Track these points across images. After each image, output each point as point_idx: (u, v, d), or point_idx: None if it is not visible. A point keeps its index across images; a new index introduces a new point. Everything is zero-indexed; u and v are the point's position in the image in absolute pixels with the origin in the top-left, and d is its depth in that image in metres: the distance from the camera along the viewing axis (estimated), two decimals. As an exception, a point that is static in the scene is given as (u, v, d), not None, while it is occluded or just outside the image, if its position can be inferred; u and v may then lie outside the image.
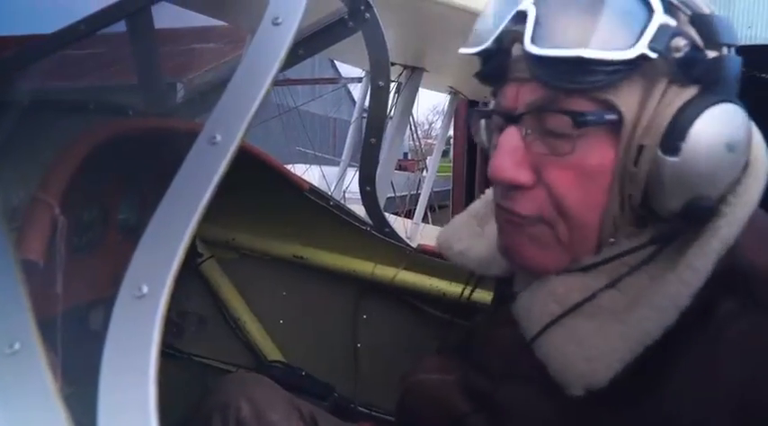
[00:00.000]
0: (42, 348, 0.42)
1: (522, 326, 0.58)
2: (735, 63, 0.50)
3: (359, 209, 1.38)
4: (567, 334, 0.53)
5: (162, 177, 0.49)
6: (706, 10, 0.51)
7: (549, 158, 0.54)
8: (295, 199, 1.31)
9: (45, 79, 1.05)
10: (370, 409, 1.30)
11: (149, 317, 0.41)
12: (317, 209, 1.32)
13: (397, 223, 3.67)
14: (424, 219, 4.53)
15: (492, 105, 0.61)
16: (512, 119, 0.55)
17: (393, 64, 2.90)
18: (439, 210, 7.22)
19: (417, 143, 6.84)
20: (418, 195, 4.58)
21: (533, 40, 0.50)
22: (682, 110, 0.49)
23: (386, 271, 1.33)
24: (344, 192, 3.71)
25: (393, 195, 5.34)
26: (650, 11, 0.48)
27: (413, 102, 3.36)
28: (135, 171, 1.07)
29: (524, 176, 0.54)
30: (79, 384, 0.44)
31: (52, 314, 0.55)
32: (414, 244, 1.36)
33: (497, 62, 0.56)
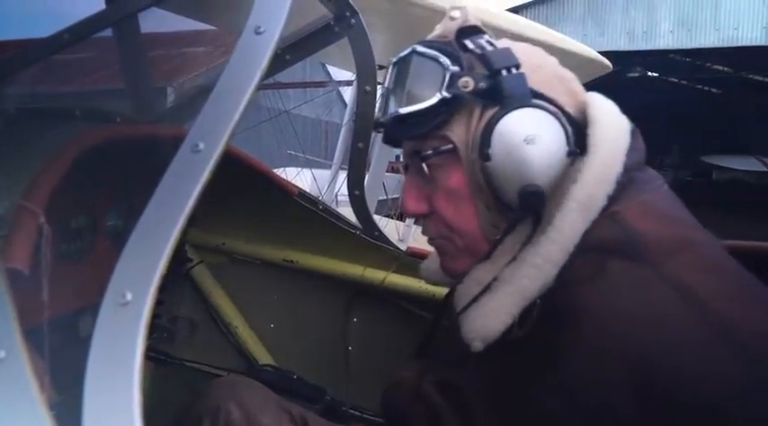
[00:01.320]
0: (28, 356, 0.42)
1: (456, 311, 0.68)
2: (516, 79, 0.64)
3: (351, 212, 1.38)
4: (477, 306, 0.64)
5: (148, 184, 0.49)
6: (488, 48, 0.66)
7: (431, 191, 0.70)
8: (284, 204, 1.32)
9: (30, 86, 1.05)
10: (361, 411, 1.31)
11: (133, 324, 0.41)
12: (307, 214, 1.32)
13: (390, 225, 3.68)
14: (417, 221, 4.54)
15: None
16: (405, 167, 0.74)
17: (383, 67, 2.91)
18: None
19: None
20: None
21: (384, 113, 0.70)
22: (486, 124, 0.64)
23: (375, 274, 1.34)
24: (336, 195, 3.72)
25: (385, 197, 5.35)
26: (442, 68, 0.65)
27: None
28: (123, 178, 1.08)
29: (420, 208, 0.72)
30: (65, 390, 0.44)
31: (40, 321, 0.55)
32: (406, 246, 1.37)
33: (385, 132, 0.73)
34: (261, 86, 0.54)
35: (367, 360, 1.36)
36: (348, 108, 4.20)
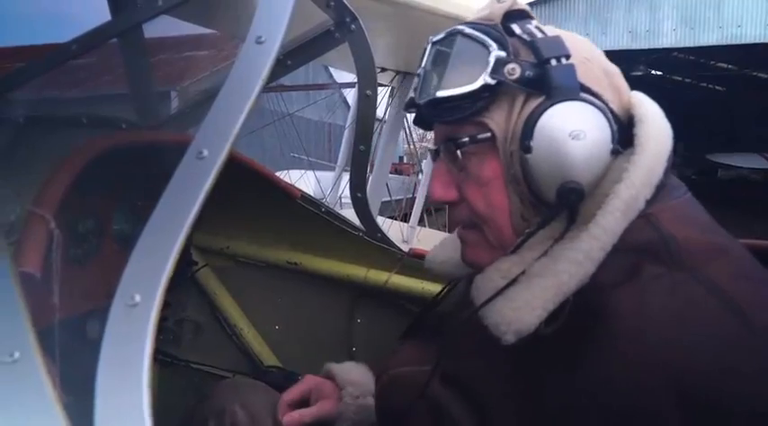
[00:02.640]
0: (41, 357, 0.44)
1: (475, 304, 0.65)
2: (565, 70, 0.61)
3: (354, 214, 1.40)
4: (504, 298, 0.61)
5: (154, 188, 0.51)
6: (538, 35, 0.63)
7: (462, 177, 0.68)
8: (287, 207, 1.33)
9: (37, 93, 1.07)
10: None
11: (142, 325, 0.43)
12: (310, 216, 1.34)
13: (394, 226, 3.69)
14: (421, 222, 4.55)
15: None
16: (435, 153, 0.71)
17: (385, 69, 2.93)
18: (435, 213, 7.24)
19: (412, 146, 6.87)
20: (414, 198, 4.60)
21: (420, 95, 0.66)
22: (530, 115, 0.61)
23: (379, 276, 1.35)
24: (340, 197, 3.73)
25: (389, 199, 5.36)
26: (487, 51, 0.62)
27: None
28: (128, 182, 1.10)
29: (450, 194, 0.69)
30: (76, 391, 0.46)
31: (51, 323, 0.57)
32: (409, 248, 1.38)
33: (416, 113, 0.70)
34: (264, 89, 0.55)
35: (371, 361, 1.37)
36: (351, 110, 4.21)
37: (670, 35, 11.26)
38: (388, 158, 3.41)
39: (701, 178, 16.50)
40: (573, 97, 0.60)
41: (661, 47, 11.54)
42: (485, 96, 0.62)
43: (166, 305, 1.29)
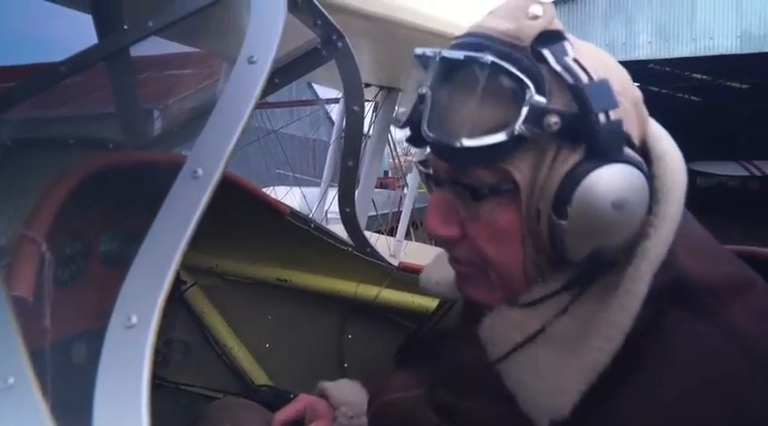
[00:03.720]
0: (36, 381, 0.43)
1: (487, 349, 0.61)
2: (611, 127, 0.52)
3: (341, 229, 1.40)
4: (528, 363, 0.56)
5: (144, 209, 0.51)
6: (584, 79, 0.52)
7: (469, 217, 0.59)
8: (276, 224, 1.33)
9: (24, 115, 1.07)
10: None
11: (140, 346, 0.43)
12: (299, 233, 1.34)
13: (381, 241, 3.70)
14: (408, 236, 4.56)
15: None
16: (436, 182, 0.61)
17: (369, 85, 2.96)
18: (422, 226, 7.25)
19: (397, 161, 6.89)
20: (400, 212, 4.61)
21: (428, 125, 0.55)
22: (567, 175, 0.52)
23: (369, 290, 1.35)
24: (326, 212, 3.73)
25: (375, 213, 5.37)
26: (523, 92, 0.51)
27: (390, 121, 3.42)
28: (116, 203, 1.09)
29: (451, 231, 0.60)
30: (72, 415, 0.45)
31: (43, 347, 0.56)
32: (398, 262, 1.38)
33: (414, 135, 0.59)
34: None
35: (363, 376, 1.36)
36: (335, 126, 4.23)
37: (645, 47, 11.55)
38: (373, 173, 3.43)
39: (681, 186, 16.69)
40: (617, 158, 0.52)
41: (637, 59, 11.81)
42: (512, 143, 0.52)
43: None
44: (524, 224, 0.56)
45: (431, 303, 1.28)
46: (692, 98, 18.28)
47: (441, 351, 0.76)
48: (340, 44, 1.08)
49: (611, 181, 0.51)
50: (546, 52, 0.53)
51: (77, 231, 1.05)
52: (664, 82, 15.27)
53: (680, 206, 0.56)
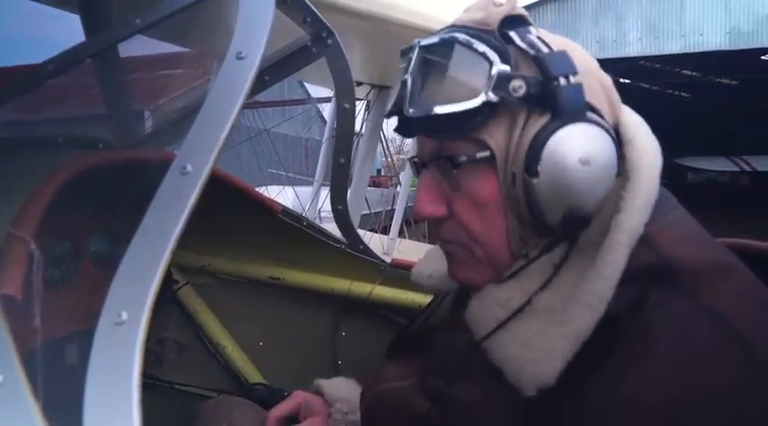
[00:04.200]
0: (26, 380, 0.43)
1: (473, 331, 0.63)
2: (574, 90, 0.57)
3: (334, 228, 1.40)
4: (514, 337, 0.58)
5: (134, 207, 0.51)
6: (544, 50, 0.58)
7: (454, 193, 0.63)
8: (269, 222, 1.33)
9: (12, 115, 1.06)
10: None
11: (130, 343, 0.42)
12: (291, 230, 1.34)
13: (374, 239, 3.70)
14: (401, 234, 4.56)
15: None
16: (422, 165, 0.66)
17: (360, 83, 2.95)
18: (415, 224, 7.26)
19: (389, 159, 6.89)
20: (393, 210, 4.61)
21: (410, 105, 0.60)
22: (536, 136, 0.57)
23: (362, 288, 1.35)
24: (319, 211, 3.72)
25: (368, 212, 5.37)
26: (489, 63, 0.57)
27: (382, 120, 3.42)
28: (106, 202, 1.08)
29: (438, 210, 0.64)
30: (63, 413, 0.45)
31: (33, 347, 0.56)
32: (391, 259, 1.38)
33: (402, 123, 0.65)
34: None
35: (357, 373, 1.37)
36: (328, 124, 4.22)
37: (636, 44, 11.61)
38: (366, 171, 3.42)
39: (673, 182, 16.91)
40: (581, 118, 0.56)
41: (628, 56, 11.87)
42: (484, 112, 0.57)
43: (147, 325, 1.27)
44: (504, 191, 0.60)
45: (424, 299, 1.28)
46: (682, 94, 18.40)
47: (432, 342, 0.76)
48: (330, 41, 1.08)
49: (577, 137, 0.56)
50: (512, 33, 0.59)
51: (67, 231, 1.04)
52: (654, 78, 15.37)
53: (652, 184, 0.59)
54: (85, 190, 0.94)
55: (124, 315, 0.43)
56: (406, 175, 4.63)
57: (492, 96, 0.56)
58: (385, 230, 4.58)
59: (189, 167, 0.49)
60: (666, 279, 0.54)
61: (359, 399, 0.90)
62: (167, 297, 1.42)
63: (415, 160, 0.68)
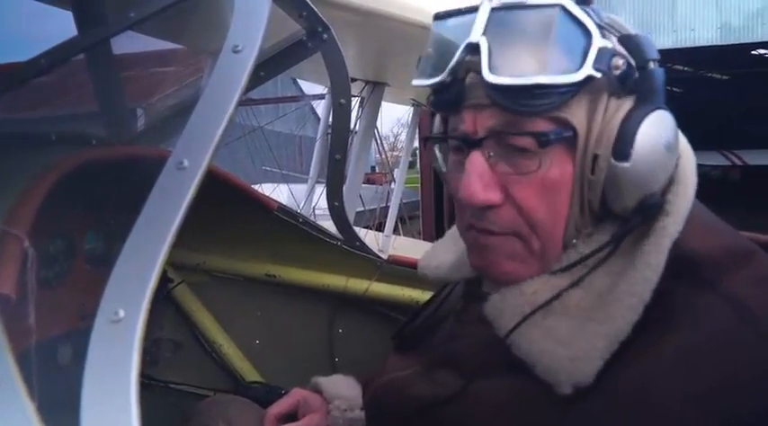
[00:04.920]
0: (21, 379, 0.42)
1: (495, 326, 0.61)
2: (661, 75, 0.57)
3: (329, 225, 1.39)
4: (545, 334, 0.56)
5: (129, 204, 0.50)
6: (632, 31, 0.58)
7: (514, 177, 0.58)
8: (264, 219, 1.32)
9: (3, 111, 1.04)
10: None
11: (127, 341, 0.42)
12: (287, 227, 1.33)
13: (369, 236, 3.70)
14: (396, 231, 4.56)
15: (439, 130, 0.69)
16: (473, 143, 0.59)
17: (355, 79, 2.95)
18: (409, 221, 7.26)
19: (384, 156, 6.89)
20: (388, 207, 4.61)
21: (491, 70, 0.54)
22: (626, 120, 0.55)
23: (359, 284, 1.35)
24: (314, 209, 3.72)
25: (363, 209, 5.36)
26: (589, 36, 0.54)
27: (376, 116, 3.41)
28: (100, 200, 1.07)
29: (494, 196, 0.58)
30: (60, 412, 0.44)
31: (28, 346, 0.55)
32: (386, 256, 1.38)
33: (453, 91, 0.59)
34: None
35: (354, 370, 1.36)
36: (322, 121, 4.21)
37: (628, 40, 11.64)
38: (360, 168, 3.42)
39: (665, 177, 16.93)
40: (663, 105, 0.56)
41: (620, 51, 11.90)
42: (571, 91, 0.54)
43: (143, 324, 1.26)
44: (577, 175, 0.57)
45: (421, 295, 1.28)
46: (674, 89, 18.51)
47: (437, 333, 0.75)
48: (326, 36, 1.07)
49: (664, 124, 0.56)
50: (588, 9, 0.56)
51: (60, 229, 1.03)
52: (646, 74, 15.41)
53: (693, 187, 0.59)
54: (79, 188, 0.93)
55: (121, 313, 0.42)
56: (399, 172, 4.62)
57: (593, 71, 0.53)
58: (380, 227, 4.58)
59: (186, 162, 0.49)
60: (687, 274, 0.54)
61: (357, 397, 0.89)
62: (162, 296, 1.41)
63: (454, 137, 0.62)
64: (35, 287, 0.64)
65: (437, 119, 0.70)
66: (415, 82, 0.63)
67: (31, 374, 0.50)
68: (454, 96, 0.59)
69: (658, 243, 0.55)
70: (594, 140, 0.56)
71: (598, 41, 0.54)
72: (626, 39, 0.56)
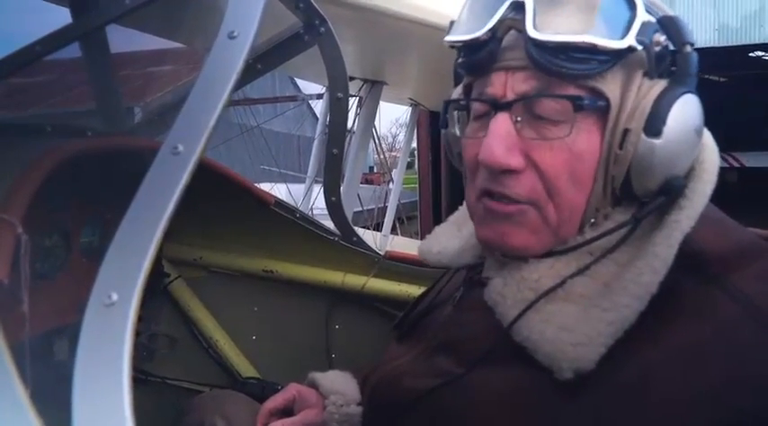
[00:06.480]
0: (13, 364, 0.42)
1: (497, 312, 0.60)
2: (695, 60, 0.57)
3: (327, 224, 1.39)
4: (549, 319, 0.56)
5: (124, 194, 0.49)
6: (671, 12, 0.58)
7: (539, 142, 0.57)
8: (261, 214, 1.32)
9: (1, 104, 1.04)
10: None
11: (120, 324, 0.41)
12: (284, 223, 1.32)
13: (367, 236, 3.69)
14: (394, 231, 4.56)
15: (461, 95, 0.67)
16: (502, 106, 0.58)
17: (353, 78, 2.94)
18: (407, 221, 7.27)
19: (382, 156, 6.89)
20: (386, 207, 4.61)
21: (536, 28, 0.54)
22: (660, 98, 0.56)
23: (356, 280, 1.34)
24: (311, 208, 3.71)
25: (361, 209, 5.36)
26: (634, 8, 0.55)
27: (374, 116, 3.41)
28: (96, 192, 1.06)
29: (516, 160, 0.57)
30: (52, 399, 0.44)
31: (21, 337, 0.55)
32: (385, 252, 1.37)
33: (487, 51, 0.58)
34: (231, 103, 0.54)
35: (351, 366, 1.36)
36: (320, 121, 4.21)
37: (626, 41, 11.66)
38: (358, 168, 3.41)
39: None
40: (694, 89, 0.57)
41: (618, 53, 11.92)
42: (610, 60, 0.54)
43: (138, 319, 1.26)
44: (605, 147, 0.57)
45: (418, 291, 1.27)
46: (672, 91, 18.53)
47: (436, 320, 0.74)
48: (323, 29, 1.07)
49: (695, 107, 0.57)
50: None
51: (55, 222, 1.03)
52: (644, 76, 15.46)
53: (712, 185, 0.58)
54: (74, 178, 0.93)
55: (114, 296, 0.42)
56: (398, 172, 4.62)
57: (635, 43, 0.54)
58: (378, 227, 4.58)
59: (180, 147, 0.48)
60: (696, 269, 0.54)
61: (354, 392, 0.89)
62: (158, 291, 1.40)
63: (480, 100, 0.61)
64: (29, 274, 0.63)
65: (458, 88, 0.69)
66: (448, 38, 0.62)
67: (24, 363, 0.50)
68: (487, 56, 0.58)
69: (670, 235, 0.54)
70: (627, 114, 0.56)
71: (642, 15, 0.54)
72: (667, 20, 0.57)
